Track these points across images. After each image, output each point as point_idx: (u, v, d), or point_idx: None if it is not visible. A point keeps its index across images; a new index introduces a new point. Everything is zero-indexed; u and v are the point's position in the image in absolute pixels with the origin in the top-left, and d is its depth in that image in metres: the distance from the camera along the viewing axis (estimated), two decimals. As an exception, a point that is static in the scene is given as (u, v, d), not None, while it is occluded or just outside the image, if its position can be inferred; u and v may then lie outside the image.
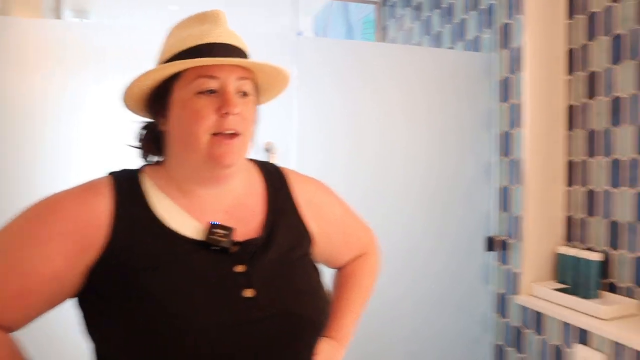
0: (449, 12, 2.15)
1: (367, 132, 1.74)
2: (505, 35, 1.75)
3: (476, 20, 1.94)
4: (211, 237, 0.77)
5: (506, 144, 1.76)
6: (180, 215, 0.77)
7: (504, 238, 1.76)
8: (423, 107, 1.81)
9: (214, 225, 0.78)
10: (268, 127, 1.52)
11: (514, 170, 1.70)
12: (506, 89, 1.75)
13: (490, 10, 1.85)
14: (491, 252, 1.80)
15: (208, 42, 0.76)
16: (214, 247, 0.76)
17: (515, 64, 1.69)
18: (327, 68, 1.69)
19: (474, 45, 1.96)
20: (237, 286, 0.75)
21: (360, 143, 1.73)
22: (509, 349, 1.77)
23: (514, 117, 1.70)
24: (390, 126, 1.77)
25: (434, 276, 1.81)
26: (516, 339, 1.73)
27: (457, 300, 1.85)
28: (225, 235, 0.77)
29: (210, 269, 0.75)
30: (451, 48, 2.13)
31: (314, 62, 1.68)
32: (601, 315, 1.35)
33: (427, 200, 1.80)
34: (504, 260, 1.76)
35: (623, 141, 1.45)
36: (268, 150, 1.49)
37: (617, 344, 1.34)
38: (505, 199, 1.76)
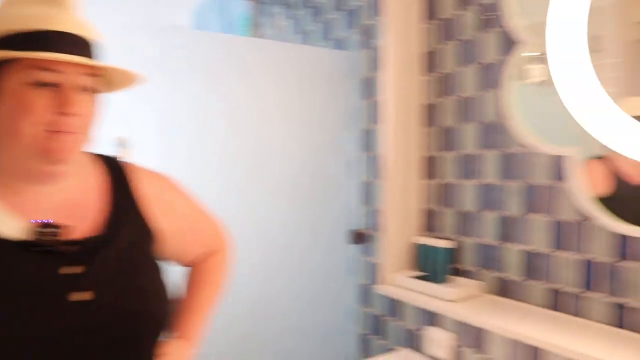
0: (318, 12, 2.20)
1: (239, 128, 1.72)
2: (368, 36, 1.83)
3: (343, 20, 2.01)
4: (37, 237, 0.70)
5: (368, 140, 1.83)
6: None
7: (367, 231, 1.83)
8: (295, 103, 1.83)
9: (40, 224, 0.71)
10: (125, 120, 1.46)
11: (375, 165, 1.78)
12: (368, 87, 1.83)
13: (355, 11, 1.92)
14: (356, 245, 1.87)
15: (53, 29, 0.68)
16: (41, 248, 0.70)
17: (376, 63, 1.77)
18: (197, 60, 1.64)
19: (342, 44, 2.02)
20: (67, 289, 0.69)
21: (231, 138, 1.71)
22: (373, 337, 1.84)
23: (376, 115, 1.78)
24: (263, 122, 1.76)
25: (302, 272, 1.84)
26: (378, 327, 1.81)
27: (325, 294, 1.89)
28: (54, 234, 0.71)
29: (34, 272, 0.69)
30: (323, 47, 2.18)
31: (182, 53, 1.62)
32: (448, 297, 1.45)
33: (296, 196, 1.82)
34: (367, 252, 1.83)
35: (469, 137, 1.58)
36: (120, 144, 1.40)
37: (462, 323, 1.45)
38: (367, 193, 1.83)
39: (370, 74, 1.82)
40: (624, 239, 1.18)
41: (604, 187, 1.21)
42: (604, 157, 1.21)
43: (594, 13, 1.18)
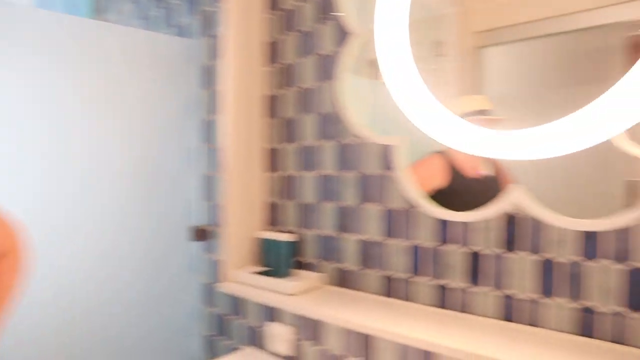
0: (160, -4, 2.06)
1: (70, 115, 1.55)
2: (209, 23, 1.75)
3: (185, 7, 1.90)
4: None
5: (209, 131, 1.75)
6: None
7: (208, 227, 1.74)
8: (134, 90, 1.69)
9: None
10: None
11: (216, 158, 1.70)
12: (209, 76, 1.75)
13: (196, -3, 1.83)
14: (197, 242, 1.77)
15: None
16: None
17: (216, 51, 1.70)
18: (24, 39, 1.45)
19: (184, 31, 1.91)
20: None
21: (60, 127, 1.52)
22: (218, 337, 1.76)
23: (216, 105, 1.70)
24: (98, 109, 1.61)
25: (141, 271, 1.71)
26: (223, 327, 1.74)
27: (167, 295, 1.78)
28: None
29: None
30: (166, 33, 2.04)
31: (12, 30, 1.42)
32: (288, 291, 1.43)
33: (134, 190, 1.68)
34: (209, 249, 1.75)
35: (309, 128, 1.57)
36: None
37: (300, 316, 1.43)
38: (209, 187, 1.75)
39: (210, 63, 1.74)
40: (445, 224, 1.24)
41: (443, 179, 1.26)
42: (443, 152, 1.26)
43: (438, 20, 1.26)
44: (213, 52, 1.72)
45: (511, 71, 1.19)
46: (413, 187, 1.28)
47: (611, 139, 0.91)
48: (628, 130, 0.86)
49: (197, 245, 1.79)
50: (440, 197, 1.26)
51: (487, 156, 1.09)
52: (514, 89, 1.18)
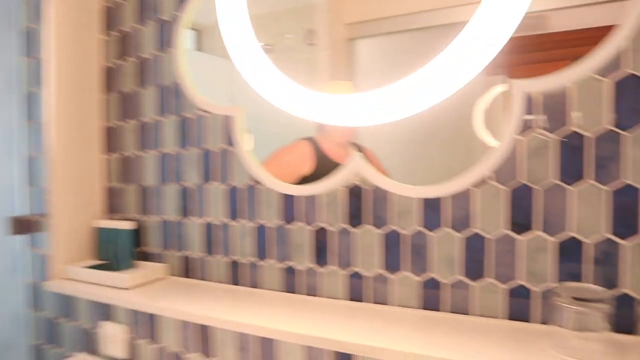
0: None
1: None
2: (29, -21, 1.51)
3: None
4: None
5: (32, 106, 1.51)
6: None
7: (33, 217, 1.50)
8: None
9: None
10: None
11: (41, 137, 1.46)
12: (31, 42, 1.51)
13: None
14: (21, 235, 1.52)
15: None
16: None
17: (40, 12, 1.46)
18: None
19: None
20: None
21: None
22: (47, 346, 1.53)
23: (41, 76, 1.47)
24: None
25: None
26: (52, 332, 1.50)
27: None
28: None
29: None
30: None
31: None
32: (124, 285, 1.25)
33: None
34: (36, 243, 1.51)
35: (148, 103, 1.40)
36: None
37: (135, 313, 1.27)
38: (33, 172, 1.51)
39: (33, 26, 1.50)
40: (290, 200, 1.15)
41: (310, 166, 1.18)
42: (310, 138, 1.18)
43: (310, 10, 1.21)
44: (36, 13, 1.48)
45: (379, 63, 1.16)
46: (254, 162, 1.18)
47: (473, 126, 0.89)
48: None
49: (20, 239, 1.54)
50: (309, 181, 1.18)
51: (331, 124, 1.02)
52: (381, 80, 1.15)
